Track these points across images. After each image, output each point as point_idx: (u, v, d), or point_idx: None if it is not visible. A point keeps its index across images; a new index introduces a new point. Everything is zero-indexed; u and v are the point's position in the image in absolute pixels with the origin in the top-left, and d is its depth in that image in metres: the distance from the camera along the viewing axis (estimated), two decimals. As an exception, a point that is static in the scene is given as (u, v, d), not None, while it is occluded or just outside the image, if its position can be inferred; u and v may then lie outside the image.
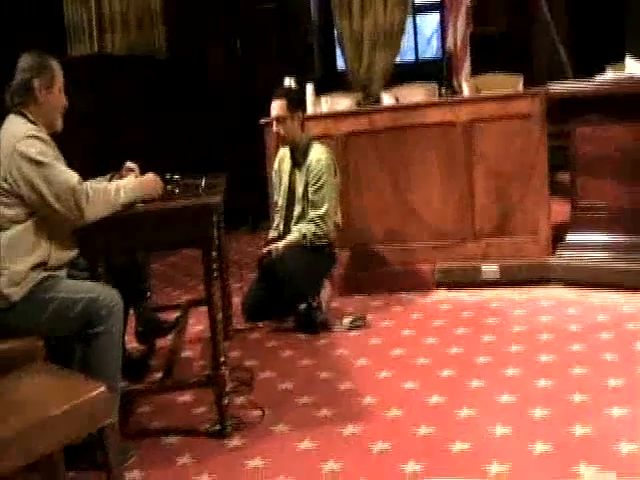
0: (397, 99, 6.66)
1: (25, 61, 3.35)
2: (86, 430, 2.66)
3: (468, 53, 7.10)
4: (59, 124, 3.41)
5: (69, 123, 3.49)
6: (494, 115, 5.23)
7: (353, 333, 4.55)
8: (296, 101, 5.04)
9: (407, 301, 5.07)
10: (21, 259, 3.17)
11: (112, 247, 3.48)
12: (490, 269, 5.12)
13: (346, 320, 4.64)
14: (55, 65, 3.38)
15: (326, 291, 4.80)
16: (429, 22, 9.36)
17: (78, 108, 3.55)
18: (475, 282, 5.14)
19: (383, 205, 5.40)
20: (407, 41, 8.35)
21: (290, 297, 4.67)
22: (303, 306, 4.61)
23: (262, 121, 5.51)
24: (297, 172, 4.96)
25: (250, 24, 8.40)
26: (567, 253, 5.03)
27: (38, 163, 3.13)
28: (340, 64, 8.63)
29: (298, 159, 4.95)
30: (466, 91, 6.40)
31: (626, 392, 3.33)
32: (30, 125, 3.25)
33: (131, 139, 7.25)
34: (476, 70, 6.98)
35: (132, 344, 4.31)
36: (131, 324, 4.11)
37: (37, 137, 3.19)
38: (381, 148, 5.41)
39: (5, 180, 3.14)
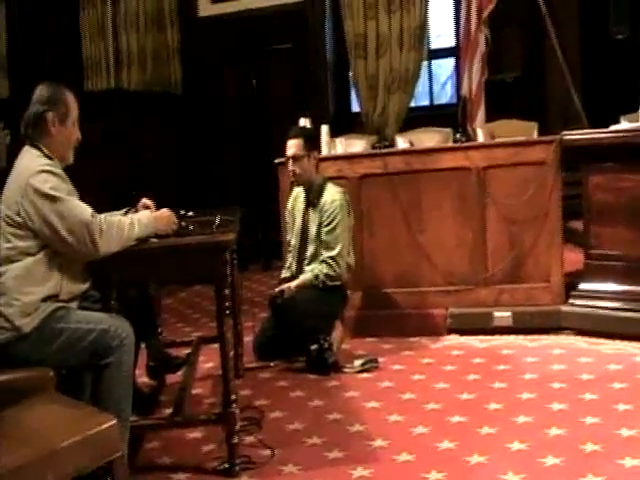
0: (411, 143, 6.73)
1: (40, 93, 3.36)
2: (95, 462, 2.66)
3: (483, 99, 7.15)
4: (71, 157, 3.41)
5: (84, 156, 3.52)
6: (508, 161, 5.25)
7: (364, 375, 4.53)
8: (312, 141, 5.11)
9: (418, 345, 5.05)
10: (32, 291, 3.17)
11: (125, 280, 3.51)
12: (502, 315, 5.11)
13: (357, 362, 4.63)
14: (70, 98, 3.39)
15: (338, 332, 4.81)
16: (444, 67, 9.44)
17: (93, 142, 3.57)
18: (487, 328, 5.12)
19: (396, 248, 5.41)
20: (422, 86, 8.43)
21: (301, 337, 4.66)
22: (314, 347, 4.59)
23: (277, 161, 5.55)
24: (311, 212, 4.99)
25: (266, 63, 8.48)
26: (580, 302, 5.02)
27: (51, 198, 3.13)
28: (354, 106, 8.69)
29: (312, 199, 4.98)
30: (480, 137, 6.46)
31: (639, 443, 3.30)
32: (44, 160, 3.26)
33: (146, 175, 7.30)
34: (491, 116, 7.03)
35: (142, 379, 4.30)
36: (142, 358, 4.10)
37: (50, 172, 3.19)
38: (395, 191, 5.42)
39: (18, 214, 3.15)
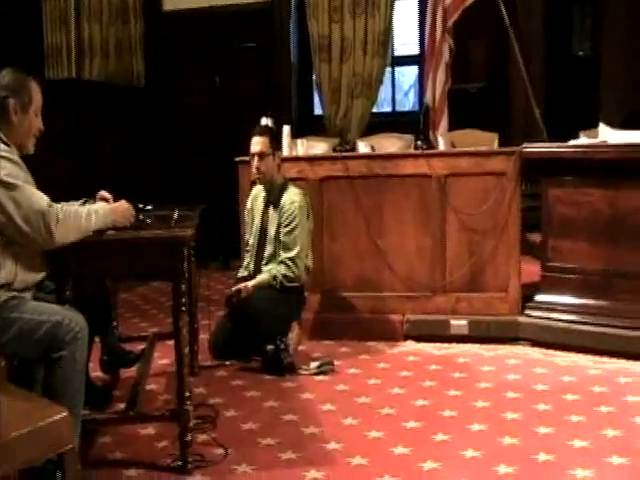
0: (373, 148, 6.73)
1: (3, 79, 3.29)
2: (46, 454, 2.61)
3: (446, 108, 7.18)
4: (31, 147, 3.35)
5: (42, 145, 3.46)
6: (469, 170, 5.28)
7: (320, 378, 4.52)
8: (277, 140, 5.10)
9: (375, 350, 5.05)
10: (-15, 279, 3.11)
11: (81, 272, 3.45)
12: (459, 324, 5.13)
13: (313, 364, 4.61)
14: (34, 87, 3.32)
15: (294, 334, 4.79)
16: (407, 75, 9.49)
17: (51, 131, 3.51)
18: (444, 336, 5.14)
19: (355, 251, 5.41)
20: (385, 92, 8.46)
21: (257, 337, 4.64)
22: (270, 347, 4.56)
23: (237, 159, 5.52)
24: (270, 212, 4.98)
25: (230, 61, 8.44)
26: (536, 313, 5.07)
27: (7, 185, 3.06)
28: (317, 108, 8.69)
29: (272, 199, 4.96)
30: (442, 145, 6.49)
31: (591, 454, 3.33)
32: (1, 145, 3.21)
33: (105, 167, 7.21)
34: (453, 126, 7.06)
35: (96, 373, 4.24)
36: (96, 352, 4.04)
37: (7, 158, 3.12)
38: (356, 194, 5.42)
39: None
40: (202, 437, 3.62)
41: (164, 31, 8.69)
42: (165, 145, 8.48)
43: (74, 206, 3.34)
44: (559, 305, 5.00)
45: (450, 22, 7.25)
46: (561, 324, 4.94)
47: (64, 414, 2.63)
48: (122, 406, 3.91)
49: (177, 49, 8.60)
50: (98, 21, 8.78)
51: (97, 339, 4.09)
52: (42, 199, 3.14)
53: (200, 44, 8.51)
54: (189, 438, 3.33)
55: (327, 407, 4.03)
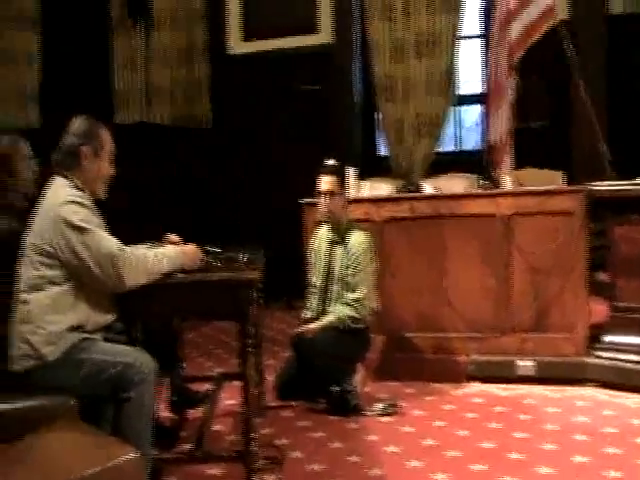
0: (438, 188, 6.73)
1: (76, 126, 3.43)
2: (115, 494, 2.66)
3: (509, 146, 7.16)
4: (102, 192, 3.48)
5: (112, 187, 3.57)
6: (535, 210, 5.25)
7: (385, 419, 4.52)
8: (344, 180, 5.12)
9: (439, 391, 5.02)
10: (58, 320, 3.22)
11: (150, 313, 3.56)
12: (525, 365, 5.07)
13: (378, 406, 4.61)
14: (105, 134, 3.46)
15: (359, 375, 4.78)
16: (471, 113, 9.47)
17: (122, 175, 3.62)
18: (509, 377, 5.08)
19: (419, 292, 5.40)
20: (448, 130, 8.46)
21: (323, 378, 4.66)
22: (336, 388, 4.58)
23: (302, 200, 5.58)
24: (336, 252, 4.99)
25: (294, 102, 8.54)
26: (604, 354, 4.98)
27: (80, 229, 3.18)
28: (381, 149, 8.72)
29: (338, 239, 4.99)
30: (507, 184, 6.45)
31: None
32: (74, 190, 3.31)
33: (172, 209, 7.34)
34: (516, 164, 7.03)
35: (164, 413, 4.31)
36: (164, 392, 4.11)
37: (80, 203, 3.25)
38: (420, 235, 5.43)
39: (50, 244, 3.20)
40: (268, 478, 3.65)
41: (229, 73, 8.86)
42: (231, 185, 8.59)
43: (143, 250, 3.43)
44: (627, 345, 4.91)
45: (515, 60, 7.28)
46: (630, 365, 4.84)
47: (134, 454, 2.69)
48: (189, 446, 3.97)
49: (242, 91, 8.75)
50: (166, 64, 9.00)
51: (165, 379, 4.17)
52: (113, 243, 3.24)
53: (264, 86, 8.66)
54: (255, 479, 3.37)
55: (392, 449, 4.02)
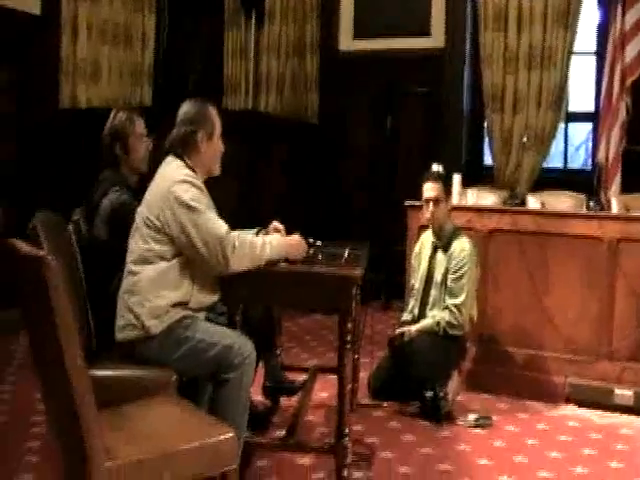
0: (543, 204, 6.63)
1: (187, 111, 3.48)
2: (210, 471, 2.71)
3: (619, 168, 7.02)
4: (217, 168, 3.56)
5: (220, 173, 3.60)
6: (643, 237, 5.10)
7: (477, 431, 4.46)
8: (448, 187, 5.09)
9: (534, 409, 4.91)
10: (164, 294, 3.27)
11: (252, 299, 3.60)
12: (623, 394, 4.89)
13: (471, 416, 4.56)
14: (214, 114, 3.52)
15: (454, 383, 4.73)
16: (579, 131, 9.29)
17: (229, 160, 3.65)
18: (607, 404, 4.92)
19: (519, 306, 5.30)
20: (555, 146, 8.30)
21: (417, 382, 4.62)
22: (429, 393, 4.54)
23: (407, 203, 5.55)
24: (438, 257, 4.96)
25: (401, 104, 8.48)
26: None
27: (190, 208, 3.23)
28: (486, 158, 8.61)
29: (441, 244, 4.95)
30: (615, 207, 6.31)
31: None
32: (187, 170, 3.37)
33: (275, 199, 7.38)
34: (625, 187, 6.88)
35: (257, 396, 4.33)
36: (259, 376, 4.13)
37: (192, 183, 3.31)
38: (523, 250, 5.33)
39: (158, 218, 3.25)
40: (357, 474, 3.67)
41: (339, 70, 8.85)
42: (333, 182, 8.59)
43: (249, 236, 3.45)
44: None
45: (629, 81, 7.13)
46: None
47: (231, 434, 2.72)
48: (279, 433, 4.02)
49: (350, 88, 8.73)
50: (276, 56, 9.06)
51: (261, 364, 4.19)
52: (221, 225, 3.28)
53: (373, 85, 8.61)
54: (345, 474, 3.38)
55: (483, 461, 3.98)
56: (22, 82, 7.19)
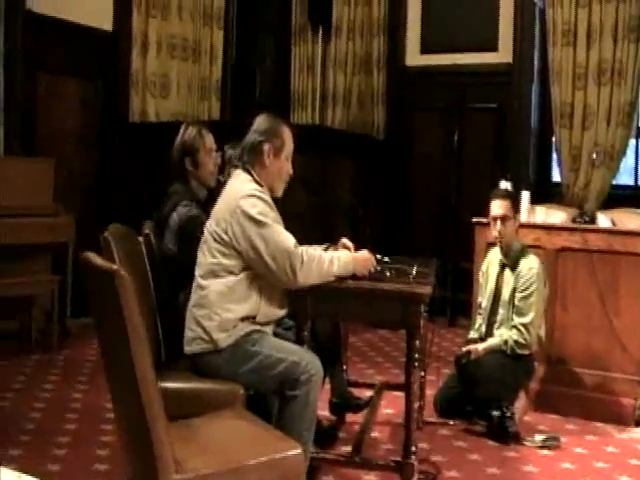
0: (613, 222, 6.50)
1: (260, 123, 3.51)
2: (276, 486, 2.68)
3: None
4: (280, 190, 3.55)
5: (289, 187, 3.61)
6: None
7: (544, 452, 4.39)
8: (516, 204, 5.04)
9: (603, 431, 4.81)
10: (232, 308, 3.29)
11: (319, 314, 3.60)
12: (695, 419, 4.78)
13: (538, 437, 4.49)
14: (287, 133, 3.52)
15: (521, 402, 4.68)
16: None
17: (296, 173, 3.66)
18: (678, 428, 4.81)
19: (587, 326, 5.20)
20: (625, 163, 8.16)
21: (484, 401, 4.58)
22: (496, 413, 4.49)
23: (475, 220, 5.51)
24: (505, 275, 4.91)
25: (468, 120, 8.44)
26: None
27: (258, 222, 3.25)
28: (555, 175, 8.51)
29: (509, 262, 4.90)
30: (686, 227, 6.16)
31: None
32: (255, 185, 3.39)
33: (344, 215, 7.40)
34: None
35: (323, 412, 4.33)
36: (325, 392, 4.13)
37: (259, 197, 3.33)
38: (592, 268, 5.23)
39: (226, 232, 3.28)
40: (424, 493, 3.62)
41: (405, 85, 8.85)
42: (399, 197, 8.57)
43: (317, 251, 3.45)
44: None
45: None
46: None
47: (299, 450, 2.72)
48: (344, 449, 4.01)
49: (417, 104, 8.72)
50: (343, 71, 9.10)
51: (327, 379, 4.18)
52: (289, 240, 3.29)
53: (439, 101, 8.59)
54: (411, 492, 3.34)
55: (551, 484, 3.92)
56: (97, 97, 7.36)
